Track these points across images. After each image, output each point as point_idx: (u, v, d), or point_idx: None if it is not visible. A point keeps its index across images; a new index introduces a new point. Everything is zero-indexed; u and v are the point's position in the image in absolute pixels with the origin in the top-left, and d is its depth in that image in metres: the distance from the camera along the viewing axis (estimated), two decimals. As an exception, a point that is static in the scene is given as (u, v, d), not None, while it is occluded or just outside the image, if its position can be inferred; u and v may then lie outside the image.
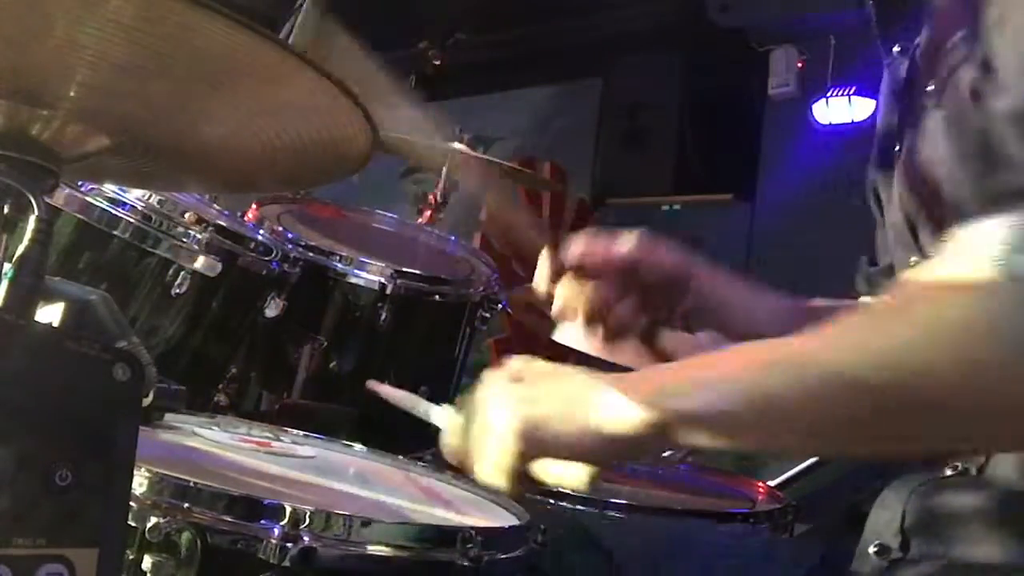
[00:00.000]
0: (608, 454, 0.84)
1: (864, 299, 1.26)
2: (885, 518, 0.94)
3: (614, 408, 0.81)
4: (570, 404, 0.84)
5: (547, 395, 0.85)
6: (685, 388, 0.81)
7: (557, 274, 1.13)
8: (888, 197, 1.06)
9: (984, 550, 0.87)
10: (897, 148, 1.01)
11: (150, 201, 1.59)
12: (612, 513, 1.42)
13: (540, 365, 0.90)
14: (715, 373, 0.81)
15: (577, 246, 1.13)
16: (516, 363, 0.91)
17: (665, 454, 1.93)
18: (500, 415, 0.85)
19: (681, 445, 0.86)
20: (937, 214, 0.94)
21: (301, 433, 1.38)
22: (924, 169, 0.94)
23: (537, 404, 0.84)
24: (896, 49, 1.03)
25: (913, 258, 1.00)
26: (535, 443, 0.83)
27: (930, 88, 0.90)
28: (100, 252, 1.58)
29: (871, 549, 0.93)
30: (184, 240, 1.61)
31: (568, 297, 1.14)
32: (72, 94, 0.72)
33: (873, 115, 1.16)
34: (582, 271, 1.12)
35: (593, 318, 1.14)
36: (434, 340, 2.06)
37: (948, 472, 0.93)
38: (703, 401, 0.79)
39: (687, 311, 1.16)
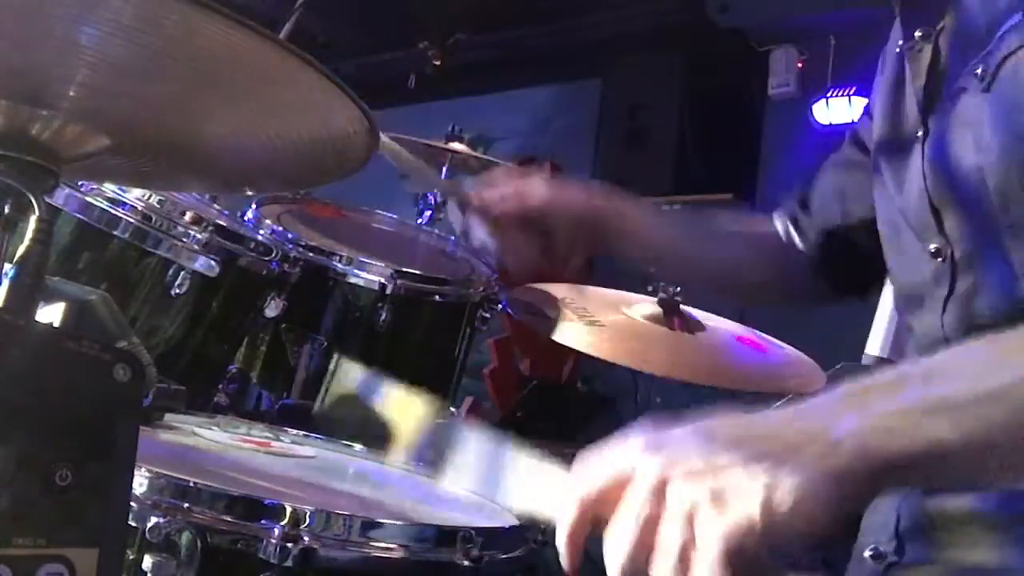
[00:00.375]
0: (839, 513, 0.64)
1: (776, 224, 1.31)
2: (879, 522, 0.94)
3: (848, 460, 0.63)
4: (777, 482, 0.62)
5: (740, 479, 0.63)
6: (945, 405, 0.64)
7: (474, 216, 1.17)
8: (898, 177, 1.05)
9: (981, 554, 0.87)
10: (920, 132, 0.99)
11: (150, 201, 1.59)
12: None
13: (693, 433, 0.67)
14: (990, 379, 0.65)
15: (489, 193, 1.15)
16: (657, 439, 0.67)
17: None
18: (691, 528, 0.63)
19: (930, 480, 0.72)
20: (964, 197, 0.93)
21: (301, 433, 1.38)
22: (957, 154, 0.93)
23: (734, 498, 0.62)
24: (918, 34, 1.01)
25: (933, 245, 0.99)
26: (751, 553, 0.62)
27: (979, 71, 0.89)
28: (100, 252, 1.58)
29: (866, 553, 0.93)
30: (184, 240, 1.61)
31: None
32: (72, 94, 0.72)
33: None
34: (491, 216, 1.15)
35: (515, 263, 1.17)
36: (434, 340, 2.06)
37: None
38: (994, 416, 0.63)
39: (601, 246, 1.21)
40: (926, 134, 0.99)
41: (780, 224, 1.32)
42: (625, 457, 0.68)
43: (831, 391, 0.69)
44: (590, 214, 1.16)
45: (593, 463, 0.69)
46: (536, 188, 1.14)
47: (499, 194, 1.15)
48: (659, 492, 0.65)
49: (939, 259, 0.98)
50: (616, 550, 0.66)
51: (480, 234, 1.15)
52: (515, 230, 1.14)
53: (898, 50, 1.06)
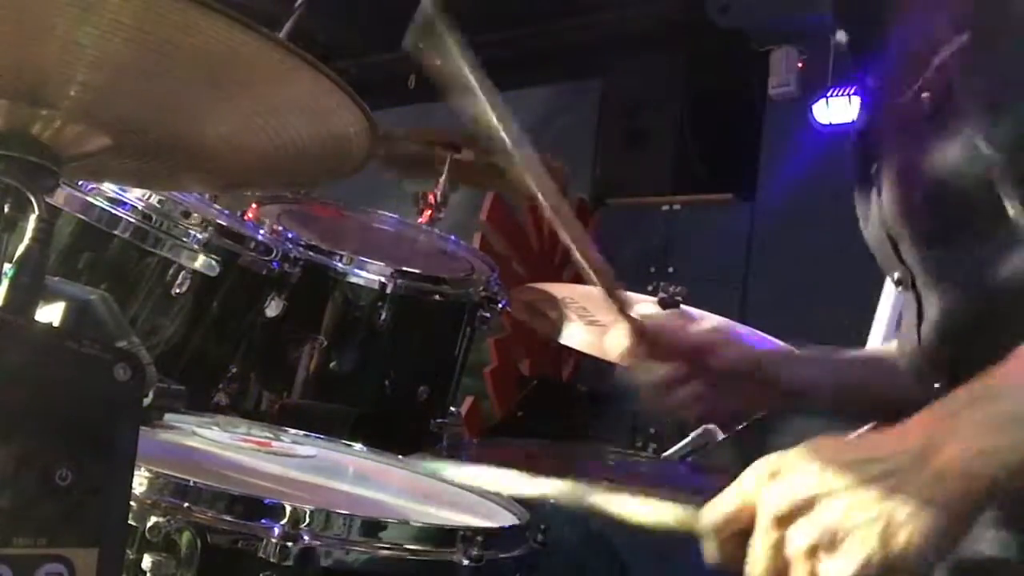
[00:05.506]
0: (948, 540, 0.66)
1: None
2: None
3: (954, 485, 0.65)
4: (891, 514, 0.64)
5: (854, 513, 0.66)
6: None
7: (638, 342, 1.11)
8: (864, 211, 1.06)
9: (987, 547, 0.86)
10: (875, 167, 1.00)
11: (150, 201, 1.58)
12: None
13: (825, 456, 0.70)
14: None
15: (654, 322, 1.12)
16: (773, 466, 0.71)
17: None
18: (812, 565, 0.66)
19: None
20: (916, 221, 0.93)
21: (301, 433, 1.38)
22: (908, 180, 0.93)
23: (851, 537, 0.65)
24: (871, 82, 1.03)
25: (896, 274, 1.00)
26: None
27: (925, 96, 0.89)
28: (100, 252, 1.58)
29: None
30: (184, 240, 1.61)
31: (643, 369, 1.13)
32: (73, 94, 0.72)
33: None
34: (657, 345, 1.11)
35: (663, 395, 1.13)
36: (434, 340, 2.06)
37: None
38: None
39: (755, 399, 1.19)
40: (878, 158, 1.00)
41: None
42: (750, 481, 0.72)
43: (940, 402, 0.71)
44: (753, 369, 1.15)
45: (726, 492, 0.74)
46: (705, 331, 1.14)
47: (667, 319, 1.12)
48: (777, 524, 0.69)
49: (901, 287, 1.00)
50: None
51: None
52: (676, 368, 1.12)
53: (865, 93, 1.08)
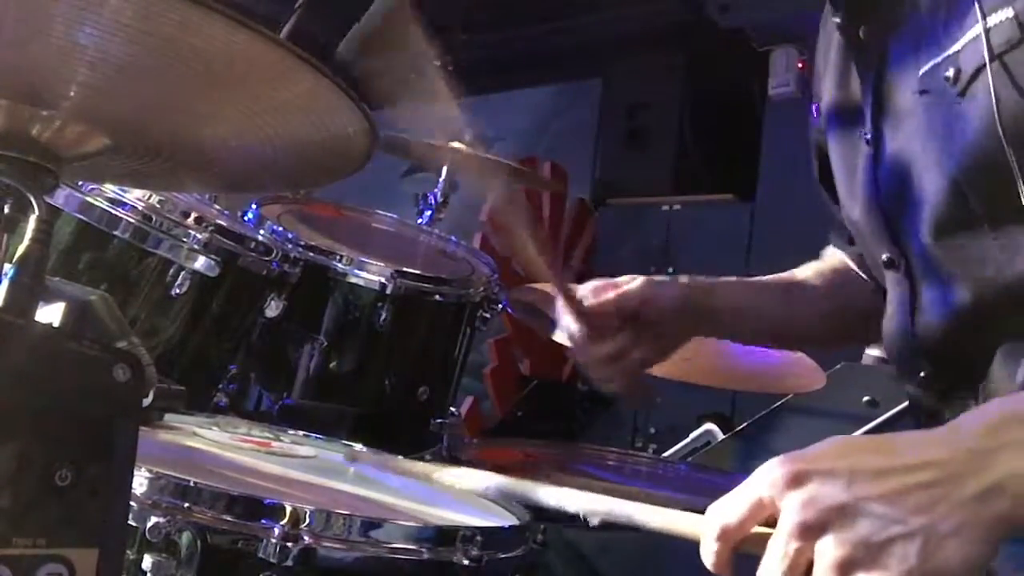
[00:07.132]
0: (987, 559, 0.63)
1: (835, 253, 1.29)
2: None
3: (1009, 504, 0.62)
4: (934, 526, 0.61)
5: (893, 523, 0.62)
6: None
7: (579, 315, 1.16)
8: (849, 179, 1.02)
9: None
10: (869, 135, 0.96)
11: (150, 201, 1.59)
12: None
13: (835, 459, 0.65)
14: None
15: (584, 293, 1.17)
16: (797, 467, 0.65)
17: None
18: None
19: None
20: (923, 206, 0.89)
21: (301, 433, 1.39)
22: (919, 161, 0.89)
23: (890, 552, 0.61)
24: (863, 32, 0.98)
25: (885, 255, 0.97)
26: None
27: (948, 73, 0.84)
28: (100, 252, 1.58)
29: None
30: (184, 240, 1.61)
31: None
32: (72, 94, 0.72)
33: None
34: (594, 318, 1.16)
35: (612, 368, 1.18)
36: (434, 340, 2.06)
37: None
38: None
39: (700, 331, 1.24)
40: (877, 137, 0.95)
41: (849, 259, 1.28)
42: (765, 485, 0.66)
43: (978, 414, 0.68)
44: (684, 305, 1.19)
45: (733, 492, 0.69)
46: (632, 288, 1.18)
47: (594, 291, 1.17)
48: (805, 534, 0.64)
49: (893, 270, 0.97)
50: None
51: (569, 323, 1.17)
52: (607, 322, 1.16)
53: (841, 43, 1.03)
